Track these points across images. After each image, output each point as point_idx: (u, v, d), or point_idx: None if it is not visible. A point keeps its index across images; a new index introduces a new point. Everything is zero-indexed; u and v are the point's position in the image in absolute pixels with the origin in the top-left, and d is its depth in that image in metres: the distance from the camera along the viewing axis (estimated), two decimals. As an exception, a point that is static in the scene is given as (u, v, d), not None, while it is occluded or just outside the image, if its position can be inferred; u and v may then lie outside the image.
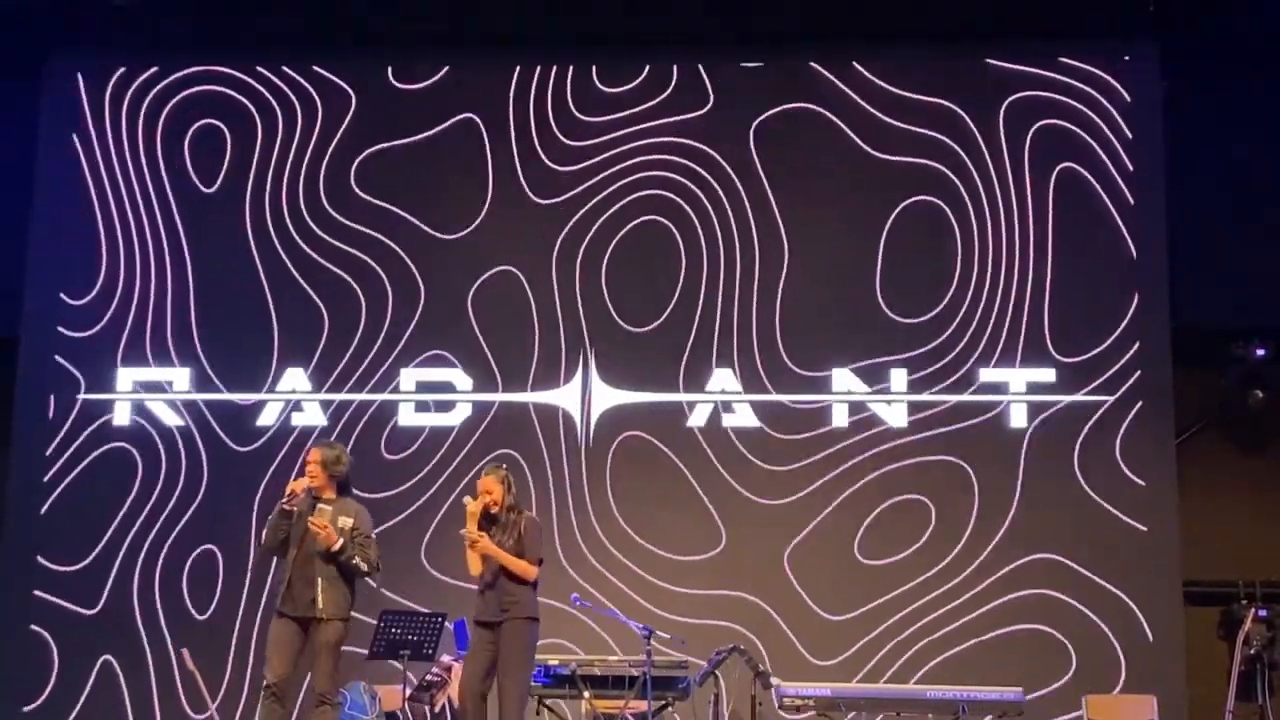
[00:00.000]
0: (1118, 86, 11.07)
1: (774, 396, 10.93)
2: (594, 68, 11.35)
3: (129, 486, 11.03)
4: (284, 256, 11.26)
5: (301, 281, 11.24)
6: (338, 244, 11.27)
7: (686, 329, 11.05)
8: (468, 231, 11.24)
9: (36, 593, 10.91)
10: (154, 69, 11.51)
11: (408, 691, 9.32)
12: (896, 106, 11.18)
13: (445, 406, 11.08)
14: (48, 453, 11.06)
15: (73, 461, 11.06)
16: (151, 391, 11.15)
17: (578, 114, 11.32)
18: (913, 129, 11.14)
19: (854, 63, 11.21)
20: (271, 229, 11.29)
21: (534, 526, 8.52)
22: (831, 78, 11.22)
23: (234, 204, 11.33)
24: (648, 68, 11.30)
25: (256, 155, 11.39)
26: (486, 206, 11.25)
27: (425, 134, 11.36)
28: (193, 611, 10.84)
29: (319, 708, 8.39)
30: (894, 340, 10.92)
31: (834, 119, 11.18)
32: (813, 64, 11.23)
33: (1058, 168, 11.04)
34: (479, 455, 10.64)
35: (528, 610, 8.44)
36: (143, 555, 10.93)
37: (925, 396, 10.86)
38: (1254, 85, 11.10)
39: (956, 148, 11.09)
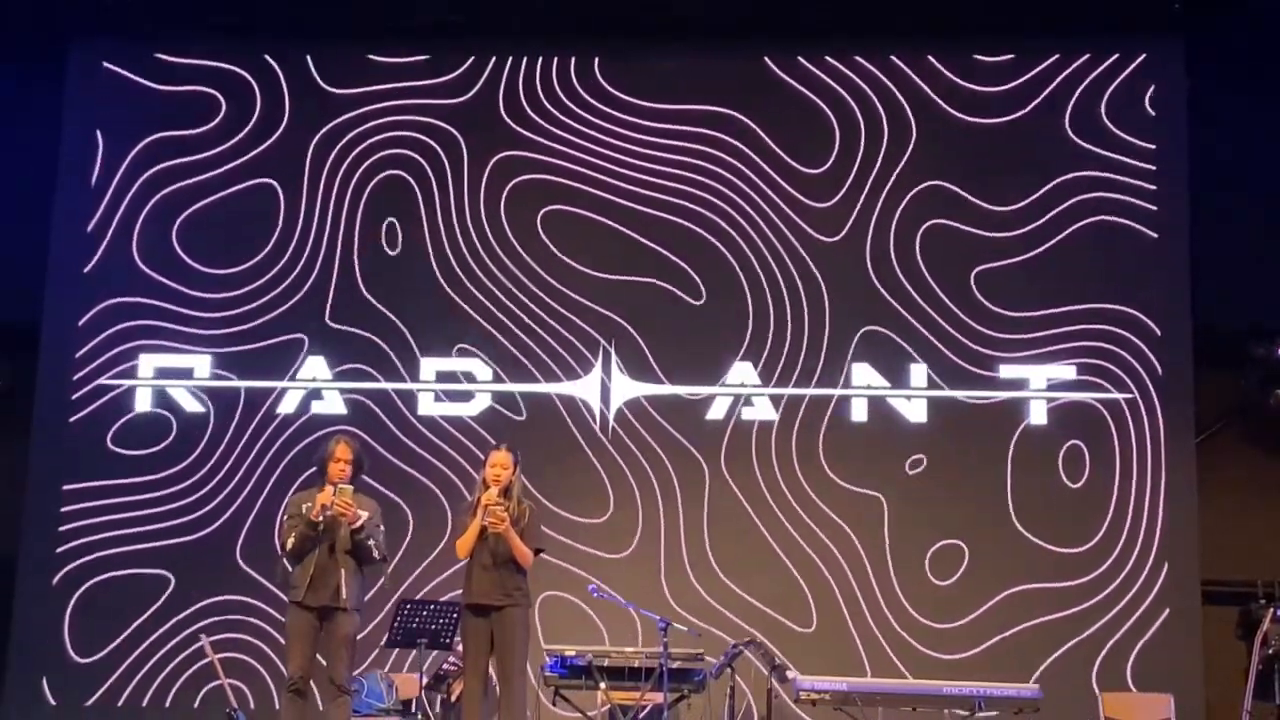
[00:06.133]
0: (1141, 84, 11.04)
1: (793, 390, 10.92)
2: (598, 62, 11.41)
3: (149, 472, 11.03)
4: (307, 243, 11.27)
5: (321, 269, 11.25)
6: (357, 233, 11.28)
7: (706, 321, 11.05)
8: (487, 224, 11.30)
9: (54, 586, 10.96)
10: (176, 56, 11.51)
11: (424, 680, 9.34)
12: (914, 102, 11.17)
13: (465, 397, 11.10)
14: (69, 439, 11.07)
15: (93, 448, 11.06)
16: (172, 378, 11.18)
17: (586, 112, 11.34)
18: (925, 121, 11.14)
19: (891, 57, 11.23)
20: (282, 214, 11.31)
21: (536, 515, 8.60)
22: (846, 70, 11.25)
23: (258, 189, 11.35)
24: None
25: (279, 140, 11.40)
26: (505, 199, 11.31)
27: (446, 130, 11.39)
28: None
29: (338, 699, 8.41)
30: (914, 336, 10.92)
31: (846, 113, 11.20)
32: (831, 58, 11.26)
33: (1079, 167, 11.02)
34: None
35: (529, 597, 8.54)
36: (163, 543, 10.94)
37: (946, 393, 10.87)
38: (1278, 84, 11.06)
39: (970, 145, 11.10)
